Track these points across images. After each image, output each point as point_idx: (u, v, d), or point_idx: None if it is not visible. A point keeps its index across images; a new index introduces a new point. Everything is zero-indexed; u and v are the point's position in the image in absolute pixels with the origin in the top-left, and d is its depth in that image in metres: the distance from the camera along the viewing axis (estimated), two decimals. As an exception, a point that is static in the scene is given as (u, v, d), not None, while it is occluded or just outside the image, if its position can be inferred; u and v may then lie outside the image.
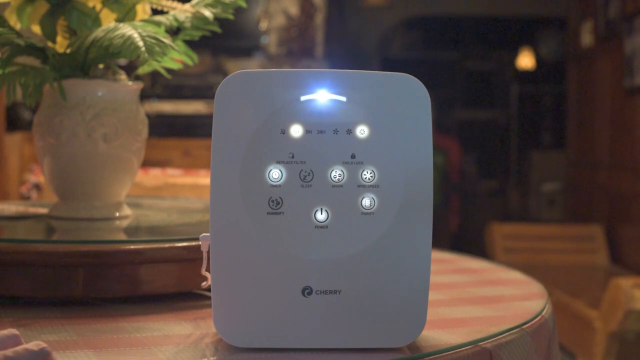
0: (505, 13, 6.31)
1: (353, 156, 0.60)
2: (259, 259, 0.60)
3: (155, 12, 0.98)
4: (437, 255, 1.12)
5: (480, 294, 0.86)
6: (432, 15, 6.39)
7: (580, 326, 2.72)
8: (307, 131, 0.60)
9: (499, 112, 6.83)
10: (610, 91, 3.91)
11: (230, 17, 0.97)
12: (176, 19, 0.95)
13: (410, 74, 0.61)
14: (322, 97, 0.60)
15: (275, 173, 0.60)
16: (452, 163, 5.51)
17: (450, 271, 1.02)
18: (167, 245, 0.77)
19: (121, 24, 0.87)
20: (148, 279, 0.76)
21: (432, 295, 0.66)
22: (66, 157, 0.92)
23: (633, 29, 3.52)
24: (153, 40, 0.85)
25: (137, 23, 0.89)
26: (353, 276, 0.60)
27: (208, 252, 0.61)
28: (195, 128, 3.91)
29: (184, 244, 0.77)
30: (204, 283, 0.67)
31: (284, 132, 0.60)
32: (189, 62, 0.99)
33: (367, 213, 0.60)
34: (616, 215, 3.80)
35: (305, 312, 0.60)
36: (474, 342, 0.64)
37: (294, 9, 4.49)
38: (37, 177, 2.12)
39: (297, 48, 4.41)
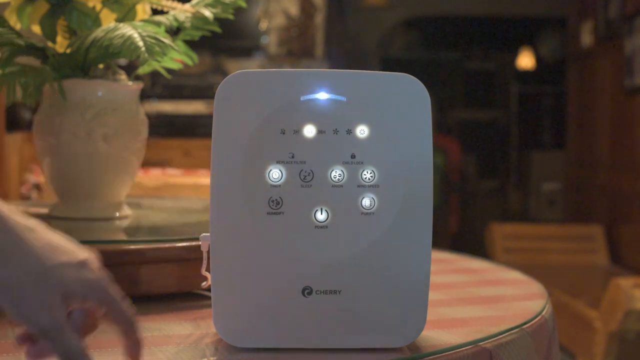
0: (505, 13, 6.30)
1: (353, 156, 0.60)
2: (259, 259, 0.60)
3: (155, 12, 0.98)
4: (437, 255, 1.11)
5: (480, 294, 0.86)
6: (432, 15, 6.39)
7: (580, 326, 2.71)
8: (307, 131, 0.60)
9: (499, 112, 6.83)
10: (610, 91, 3.90)
11: (230, 17, 0.97)
12: (176, 19, 0.95)
13: (410, 74, 0.61)
14: (322, 97, 0.60)
15: (275, 173, 0.60)
16: (452, 163, 5.50)
17: (450, 271, 1.02)
18: (167, 245, 0.77)
19: (121, 24, 0.87)
20: (148, 279, 0.76)
21: (432, 295, 0.66)
22: (66, 157, 0.92)
23: (633, 29, 3.52)
24: (153, 40, 0.85)
25: (137, 23, 0.89)
26: (353, 276, 0.60)
27: (208, 252, 0.61)
28: (195, 128, 3.90)
29: (184, 244, 0.77)
30: (204, 283, 0.67)
31: (284, 132, 0.60)
32: (189, 62, 0.99)
33: (367, 213, 0.60)
34: (616, 215, 3.80)
35: (305, 312, 0.60)
36: (474, 342, 0.64)
37: (294, 9, 4.48)
38: (37, 177, 2.12)
39: (297, 48, 4.41)
